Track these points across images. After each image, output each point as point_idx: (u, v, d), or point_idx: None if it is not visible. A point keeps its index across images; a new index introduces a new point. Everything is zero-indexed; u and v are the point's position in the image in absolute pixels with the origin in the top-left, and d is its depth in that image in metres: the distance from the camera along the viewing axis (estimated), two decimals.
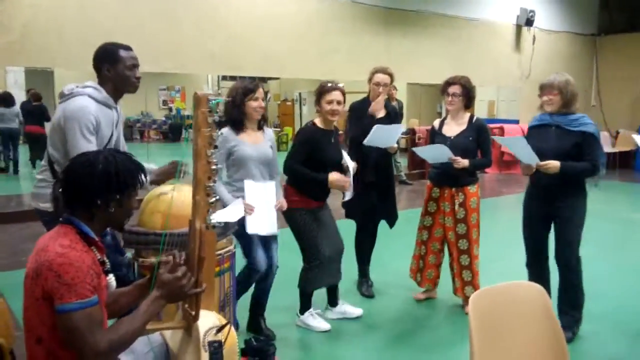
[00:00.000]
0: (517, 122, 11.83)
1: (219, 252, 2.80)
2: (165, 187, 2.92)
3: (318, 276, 3.60)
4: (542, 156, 3.28)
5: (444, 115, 4.19)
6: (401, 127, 4.18)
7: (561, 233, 3.46)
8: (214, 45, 8.22)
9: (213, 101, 1.89)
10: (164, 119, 18.72)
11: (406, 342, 3.58)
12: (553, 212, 3.46)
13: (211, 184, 1.91)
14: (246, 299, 3.57)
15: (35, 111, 10.34)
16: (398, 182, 9.34)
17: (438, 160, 3.91)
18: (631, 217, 7.84)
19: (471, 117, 3.97)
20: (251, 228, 3.17)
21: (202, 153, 1.88)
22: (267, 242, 3.48)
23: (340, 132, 3.86)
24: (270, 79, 16.21)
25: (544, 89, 3.42)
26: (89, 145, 2.68)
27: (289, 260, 3.81)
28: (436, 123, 4.13)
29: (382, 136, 3.86)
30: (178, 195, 2.71)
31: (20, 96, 12.92)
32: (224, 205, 3.09)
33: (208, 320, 1.94)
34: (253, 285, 3.52)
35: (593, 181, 3.52)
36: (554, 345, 1.99)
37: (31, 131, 10.39)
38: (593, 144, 3.36)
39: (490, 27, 11.48)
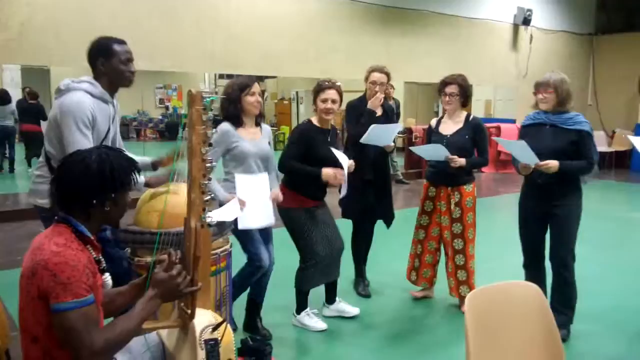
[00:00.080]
0: (513, 121, 11.84)
1: (215, 251, 2.80)
2: (161, 187, 2.91)
3: (313, 276, 3.60)
4: (539, 155, 3.28)
5: (440, 114, 4.19)
6: (399, 126, 4.18)
7: (557, 232, 3.47)
8: (211, 44, 8.21)
9: (207, 99, 1.89)
10: (160, 117, 18.70)
11: (403, 342, 3.58)
12: (549, 211, 3.47)
13: (206, 182, 1.90)
14: (242, 298, 3.56)
15: (32, 109, 10.30)
16: (395, 181, 9.34)
17: (435, 159, 3.91)
18: (627, 217, 7.86)
19: (467, 115, 3.98)
20: (243, 223, 3.14)
21: (197, 151, 1.87)
22: (265, 239, 3.47)
23: (339, 131, 3.86)
24: (267, 77, 16.21)
25: (539, 86, 3.43)
26: (85, 139, 2.68)
27: (285, 259, 3.81)
28: (433, 122, 4.13)
29: (379, 135, 3.86)
30: (174, 194, 2.71)
31: (16, 94, 12.88)
32: (220, 204, 3.08)
33: (204, 318, 1.94)
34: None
35: (583, 180, 3.53)
36: (550, 344, 1.99)
37: (27, 130, 10.35)
38: (589, 142, 3.39)
39: (488, 27, 11.49)
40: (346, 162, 3.53)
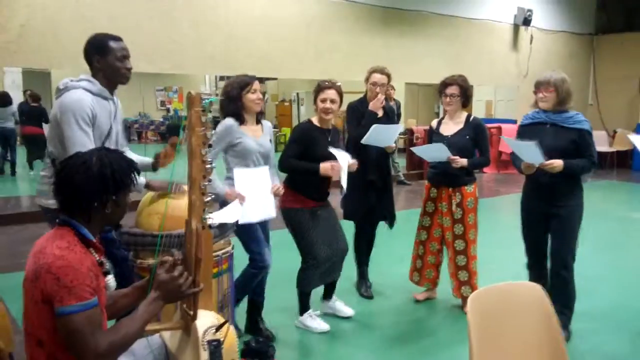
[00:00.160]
0: (514, 122, 11.82)
1: (216, 253, 2.80)
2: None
3: (314, 276, 3.60)
4: None
5: (441, 115, 4.18)
6: (399, 127, 4.18)
7: (559, 231, 3.46)
8: (211, 46, 8.21)
9: (206, 100, 1.89)
10: (161, 119, 18.72)
11: (406, 343, 3.58)
12: (551, 211, 3.46)
13: (206, 183, 1.90)
14: (243, 302, 3.56)
15: (34, 112, 10.29)
16: (396, 182, 9.34)
17: (437, 159, 3.91)
18: (629, 216, 7.85)
19: (468, 116, 3.97)
20: (244, 217, 3.13)
21: (197, 152, 1.88)
22: (264, 231, 3.49)
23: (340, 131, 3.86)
24: (268, 79, 16.21)
25: (539, 85, 3.43)
26: (86, 136, 2.68)
27: (288, 260, 3.80)
28: (434, 123, 4.13)
29: (380, 135, 3.86)
30: (175, 197, 2.71)
31: (17, 97, 12.89)
32: (221, 203, 3.08)
33: (206, 319, 1.94)
34: None
35: (583, 179, 3.53)
36: (553, 345, 1.99)
37: (29, 132, 10.34)
38: (589, 140, 3.40)
39: (488, 27, 11.49)
40: (346, 160, 3.52)
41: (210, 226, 1.97)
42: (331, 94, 3.52)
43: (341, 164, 3.47)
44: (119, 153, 1.91)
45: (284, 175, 3.68)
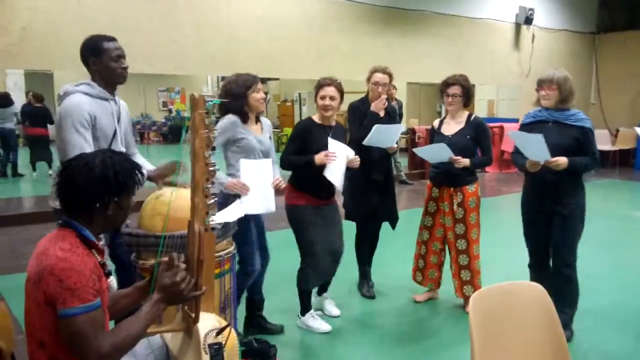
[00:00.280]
0: (516, 120, 11.82)
1: (219, 253, 2.80)
2: (165, 190, 2.92)
3: (311, 275, 3.60)
4: None
5: (443, 114, 4.18)
6: (401, 127, 4.17)
7: (561, 230, 3.45)
8: (213, 47, 8.22)
9: (210, 102, 1.89)
10: (163, 120, 18.74)
11: (408, 343, 3.58)
12: (553, 210, 3.45)
13: (209, 186, 1.90)
14: (243, 300, 3.56)
15: (38, 113, 10.30)
16: (398, 182, 9.33)
17: (439, 160, 3.90)
18: (631, 215, 7.84)
19: (469, 115, 3.97)
20: (247, 208, 3.14)
21: (200, 155, 1.87)
22: (259, 234, 3.49)
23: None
24: (270, 79, 16.22)
25: (542, 83, 3.42)
26: (82, 139, 2.70)
27: (289, 260, 3.81)
28: (436, 123, 4.13)
29: (382, 136, 3.86)
30: (177, 197, 2.71)
31: (20, 98, 12.91)
32: (223, 199, 3.08)
33: (208, 322, 1.93)
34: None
35: (585, 178, 3.52)
36: (555, 345, 1.99)
37: (33, 133, 10.35)
38: (591, 138, 3.40)
39: (490, 26, 11.48)
40: (345, 153, 3.52)
41: (213, 228, 1.97)
42: (330, 90, 3.53)
43: (336, 155, 3.47)
44: (123, 155, 1.91)
45: (287, 174, 3.69)
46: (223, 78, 13.47)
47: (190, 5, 7.97)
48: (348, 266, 4.39)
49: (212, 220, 1.95)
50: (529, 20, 11.75)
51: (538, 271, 3.62)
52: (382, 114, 4.10)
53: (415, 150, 4.12)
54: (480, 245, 3.97)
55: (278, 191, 3.34)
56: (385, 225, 4.34)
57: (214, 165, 1.91)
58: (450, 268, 4.06)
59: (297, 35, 9.01)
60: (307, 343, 3.58)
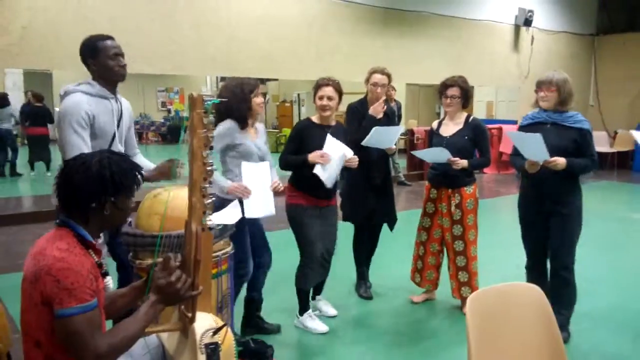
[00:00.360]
0: (515, 122, 11.82)
1: (216, 253, 2.80)
2: (162, 189, 2.92)
3: (309, 273, 3.61)
4: None
5: (442, 116, 4.18)
6: (400, 129, 4.17)
7: (559, 232, 3.46)
8: (212, 47, 8.22)
9: (208, 102, 1.89)
10: (162, 120, 18.74)
11: (405, 344, 3.58)
12: (551, 212, 3.46)
13: (207, 185, 1.90)
14: (239, 301, 3.56)
15: (39, 112, 10.30)
16: (397, 183, 9.33)
17: (437, 161, 3.91)
18: (629, 217, 7.84)
19: (468, 117, 3.97)
20: (249, 212, 3.16)
21: (198, 154, 1.87)
22: (260, 236, 3.48)
23: None
24: (268, 80, 16.22)
25: (541, 84, 3.42)
26: (78, 138, 2.72)
27: (288, 260, 3.80)
28: (434, 124, 4.13)
29: (381, 137, 3.85)
30: (175, 197, 2.71)
31: (19, 98, 12.90)
32: (216, 205, 3.07)
33: (205, 322, 1.93)
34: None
35: (583, 180, 3.52)
36: (552, 346, 1.99)
37: (34, 133, 10.35)
38: (590, 140, 3.40)
39: (489, 28, 11.49)
40: (341, 151, 3.52)
41: (210, 228, 1.97)
42: (328, 90, 3.55)
43: (331, 152, 3.47)
44: (122, 156, 1.91)
45: (286, 175, 3.70)
46: (222, 78, 13.49)
47: (190, 5, 7.97)
48: (346, 267, 4.38)
49: (210, 220, 1.95)
50: (528, 22, 11.76)
51: (535, 273, 3.62)
52: (380, 115, 4.10)
53: (414, 152, 4.12)
54: (477, 246, 3.98)
55: (276, 193, 3.35)
56: (384, 226, 4.34)
57: (212, 165, 1.91)
58: (447, 269, 4.07)
59: (297, 36, 9.01)
60: (304, 343, 3.58)
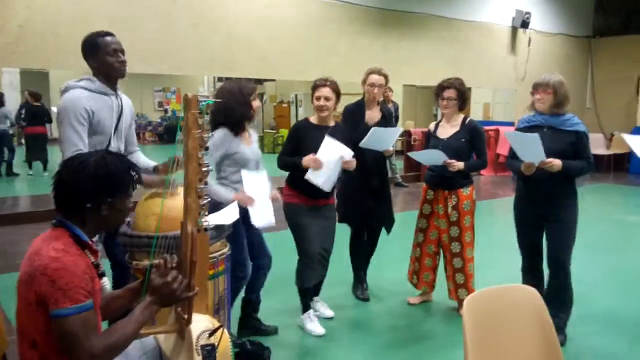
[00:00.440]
0: (512, 124, 11.84)
1: (213, 254, 2.79)
2: (159, 189, 2.91)
3: (308, 272, 3.60)
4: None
5: (439, 117, 4.18)
6: (398, 130, 4.16)
7: (556, 234, 3.46)
8: (210, 47, 8.21)
9: (203, 103, 1.88)
10: (159, 120, 18.72)
11: (402, 345, 3.57)
12: (546, 214, 3.46)
13: (202, 186, 1.90)
14: (237, 303, 3.55)
15: (38, 112, 10.29)
16: (394, 184, 9.34)
17: (433, 163, 3.91)
18: (625, 219, 7.86)
19: (464, 118, 3.97)
20: (256, 221, 3.16)
21: (193, 155, 1.87)
22: (259, 238, 3.48)
23: None
24: (266, 80, 16.22)
25: (537, 87, 3.43)
26: (75, 135, 2.72)
27: (288, 261, 3.79)
28: (432, 126, 4.13)
29: (378, 139, 3.84)
30: (171, 198, 2.70)
31: (15, 97, 12.87)
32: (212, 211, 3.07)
33: (201, 323, 1.93)
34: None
35: (579, 182, 3.53)
36: (548, 348, 1.99)
37: (32, 132, 10.32)
38: (586, 142, 3.41)
39: (486, 29, 11.51)
40: (339, 152, 3.51)
41: (206, 229, 1.96)
42: (325, 91, 3.55)
43: (327, 155, 3.46)
44: (120, 156, 1.90)
45: (285, 174, 3.72)
46: (220, 79, 13.49)
47: (188, 5, 7.96)
48: (343, 268, 4.38)
49: (205, 221, 1.94)
50: (525, 24, 11.79)
51: (531, 274, 3.63)
52: (378, 116, 4.10)
53: (410, 154, 4.12)
54: (474, 248, 3.98)
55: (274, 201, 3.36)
56: (382, 229, 4.33)
57: (207, 166, 1.91)
58: (444, 271, 4.07)
59: (295, 37, 9.01)
60: (301, 345, 3.58)
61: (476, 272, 3.99)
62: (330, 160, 3.47)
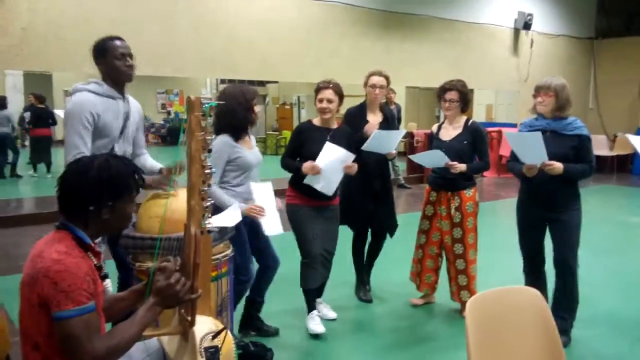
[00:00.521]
0: (514, 125, 11.84)
1: (216, 256, 2.80)
2: (163, 191, 2.92)
3: (312, 273, 3.60)
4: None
5: (442, 119, 4.18)
6: (401, 133, 4.15)
7: (562, 237, 3.45)
8: (212, 49, 8.22)
9: (206, 105, 1.89)
10: (162, 122, 18.73)
11: (404, 347, 3.57)
12: (550, 217, 3.46)
13: (205, 188, 1.90)
14: (240, 304, 3.56)
15: (43, 114, 10.32)
16: (397, 186, 9.33)
17: (435, 165, 3.91)
18: (629, 221, 7.84)
19: (467, 120, 3.97)
20: (268, 230, 3.19)
21: (197, 157, 1.87)
22: (264, 241, 3.49)
23: None
24: (269, 82, 16.22)
25: (540, 89, 3.42)
26: (79, 139, 2.74)
27: (292, 262, 3.79)
28: (434, 128, 4.13)
29: (381, 142, 3.83)
30: (175, 199, 2.71)
31: (19, 100, 12.89)
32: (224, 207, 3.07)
33: (204, 326, 1.93)
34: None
35: (582, 184, 3.53)
36: (551, 350, 1.99)
37: (38, 134, 10.35)
38: (589, 146, 3.40)
39: (489, 31, 11.50)
40: (340, 157, 3.50)
41: (209, 231, 1.96)
42: (328, 93, 3.56)
43: (328, 159, 3.45)
44: (124, 159, 1.90)
45: (288, 175, 3.73)
46: (222, 81, 13.49)
47: (190, 7, 7.98)
48: (345, 270, 4.38)
49: (209, 223, 1.94)
50: (527, 26, 11.77)
51: (532, 277, 3.62)
52: (380, 118, 4.10)
53: (411, 156, 4.10)
54: (477, 250, 3.97)
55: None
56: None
57: (211, 168, 1.91)
58: (447, 272, 4.07)
59: (297, 39, 9.02)
60: (303, 346, 3.57)
61: (479, 274, 3.99)
62: (330, 165, 3.48)
